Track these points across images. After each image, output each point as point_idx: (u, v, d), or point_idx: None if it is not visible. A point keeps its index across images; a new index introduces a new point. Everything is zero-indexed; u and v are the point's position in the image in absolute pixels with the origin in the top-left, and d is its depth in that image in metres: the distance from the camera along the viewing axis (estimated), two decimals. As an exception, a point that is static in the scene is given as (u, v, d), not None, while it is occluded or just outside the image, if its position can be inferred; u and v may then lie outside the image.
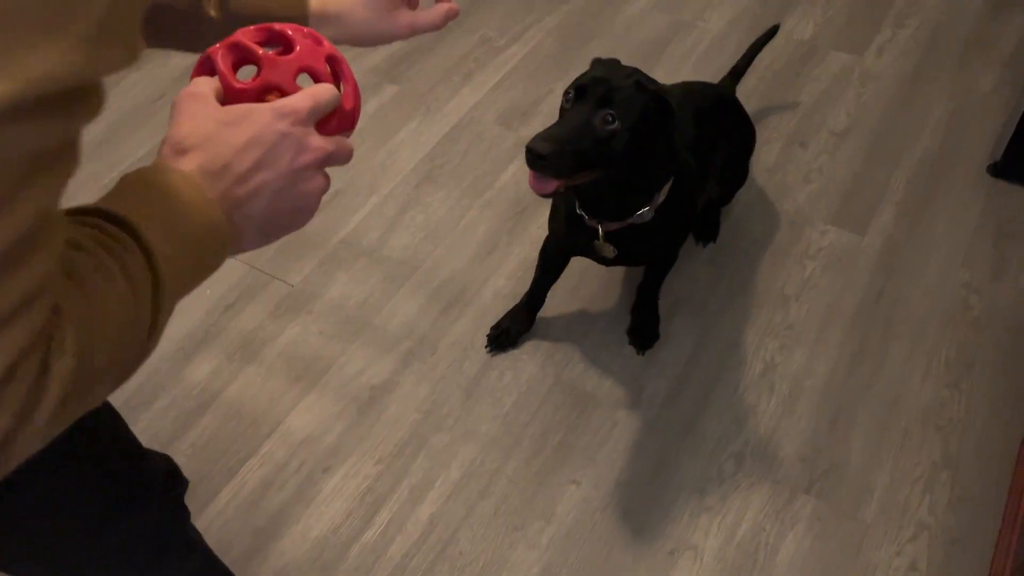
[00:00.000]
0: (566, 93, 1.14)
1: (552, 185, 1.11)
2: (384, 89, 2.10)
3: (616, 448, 1.45)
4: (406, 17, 0.78)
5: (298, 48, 0.61)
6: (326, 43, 0.63)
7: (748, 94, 2.05)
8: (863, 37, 2.25)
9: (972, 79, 2.12)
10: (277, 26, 0.62)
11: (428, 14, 0.79)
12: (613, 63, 1.20)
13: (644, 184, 1.24)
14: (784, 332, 1.61)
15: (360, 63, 2.18)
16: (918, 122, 2.01)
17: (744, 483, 1.40)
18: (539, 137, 1.07)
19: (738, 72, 1.80)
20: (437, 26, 0.80)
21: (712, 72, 2.13)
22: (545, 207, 1.82)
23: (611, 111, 1.10)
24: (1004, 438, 1.46)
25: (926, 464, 1.43)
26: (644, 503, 1.38)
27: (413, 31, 0.78)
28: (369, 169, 1.90)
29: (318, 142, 0.58)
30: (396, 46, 2.23)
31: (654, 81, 1.17)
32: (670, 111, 1.13)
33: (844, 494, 1.39)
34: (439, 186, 1.87)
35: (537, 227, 1.78)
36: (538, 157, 1.06)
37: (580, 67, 2.15)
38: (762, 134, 1.98)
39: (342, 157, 0.61)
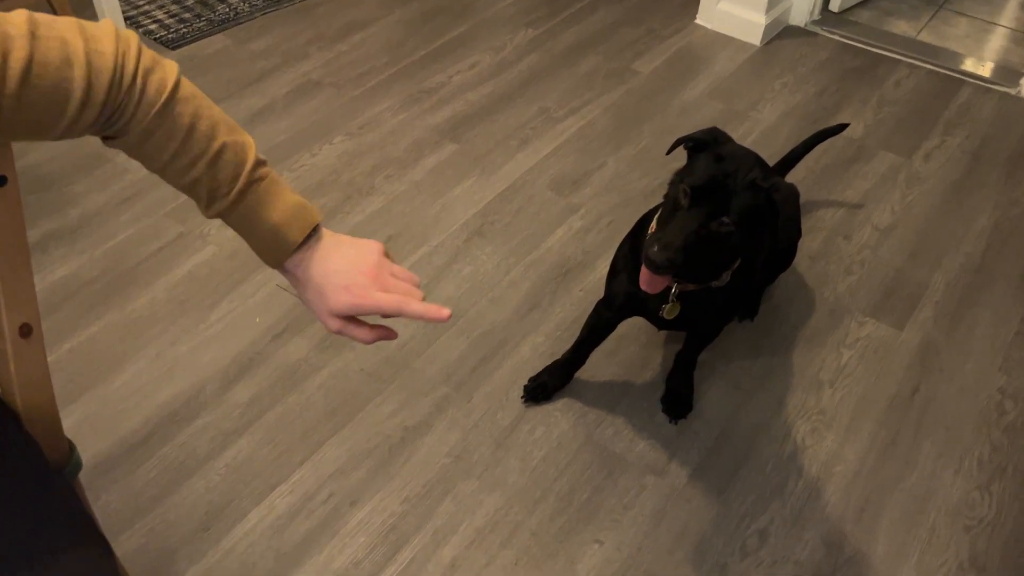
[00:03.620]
0: (681, 186, 1.15)
1: (664, 283, 1.19)
2: (444, 146, 2.19)
3: (642, 512, 1.45)
4: (337, 323, 0.82)
5: None
6: None
7: (796, 184, 2.10)
8: (912, 141, 2.31)
9: (1017, 192, 2.16)
10: None
11: (361, 330, 0.83)
12: (730, 147, 1.20)
13: (743, 252, 1.29)
14: (816, 416, 1.62)
15: (424, 120, 2.27)
16: (961, 228, 2.05)
17: (767, 560, 1.40)
18: (659, 244, 1.12)
19: (790, 161, 1.86)
20: (366, 341, 0.83)
21: (761, 160, 2.19)
22: (588, 273, 1.87)
23: (727, 218, 1.14)
24: (1034, 545, 1.44)
25: (952, 564, 1.42)
26: (665, 570, 1.38)
27: (340, 333, 0.83)
28: (422, 220, 1.97)
29: None
30: (461, 108, 2.32)
31: (768, 173, 1.18)
32: (776, 210, 1.16)
33: (867, 584, 1.38)
34: (488, 242, 1.93)
35: (580, 290, 1.83)
36: (659, 267, 1.12)
37: (633, 143, 2.23)
38: (807, 223, 2.02)
39: None
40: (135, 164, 2.05)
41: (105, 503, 1.42)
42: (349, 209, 1.98)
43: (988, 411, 1.65)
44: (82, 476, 1.47)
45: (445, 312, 0.81)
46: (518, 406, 1.60)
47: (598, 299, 1.55)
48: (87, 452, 1.49)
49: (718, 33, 2.71)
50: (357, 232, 1.92)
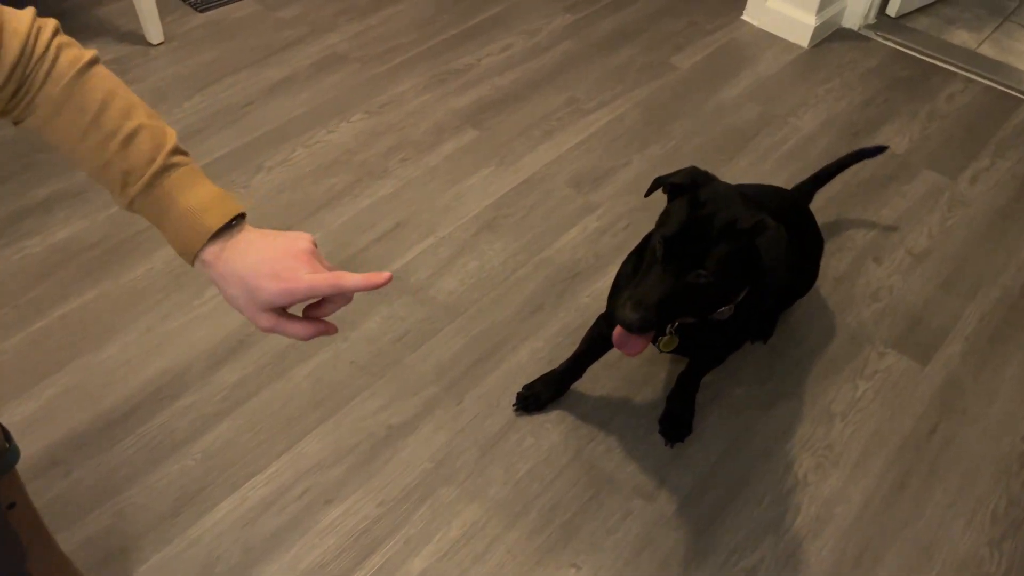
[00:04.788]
0: (660, 236, 1.07)
1: (642, 344, 1.11)
2: (465, 132, 2.12)
3: (626, 538, 1.38)
4: (269, 320, 0.75)
5: None
6: None
7: (829, 199, 2.00)
8: (959, 161, 2.18)
9: (1068, 223, 2.02)
10: None
11: (296, 325, 0.76)
12: (710, 188, 1.10)
13: (731, 297, 1.20)
14: (823, 451, 1.53)
15: (447, 102, 2.20)
16: (1002, 258, 1.92)
17: (752, 603, 1.32)
18: (631, 302, 1.05)
19: (822, 177, 1.75)
20: (303, 337, 0.77)
21: (794, 171, 2.08)
22: (598, 277, 1.79)
23: (703, 271, 1.06)
24: (1043, 611, 1.35)
25: (953, 622, 1.33)
26: (643, 602, 1.32)
27: (273, 330, 0.76)
28: (432, 208, 1.90)
29: None
30: (487, 92, 2.25)
31: (753, 208, 1.09)
32: (758, 255, 1.07)
33: (858, 637, 1.30)
34: (498, 236, 1.86)
35: (587, 295, 1.75)
36: (632, 327, 1.05)
37: (662, 143, 2.14)
38: (836, 242, 1.92)
39: None
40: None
41: (77, 479, 1.40)
42: (358, 192, 1.92)
43: (1009, 460, 1.54)
44: (55, 450, 1.45)
45: (384, 274, 0.77)
46: (508, 413, 1.53)
47: (604, 309, 1.47)
48: (66, 424, 1.46)
49: (764, 31, 2.59)
50: (362, 218, 1.86)
